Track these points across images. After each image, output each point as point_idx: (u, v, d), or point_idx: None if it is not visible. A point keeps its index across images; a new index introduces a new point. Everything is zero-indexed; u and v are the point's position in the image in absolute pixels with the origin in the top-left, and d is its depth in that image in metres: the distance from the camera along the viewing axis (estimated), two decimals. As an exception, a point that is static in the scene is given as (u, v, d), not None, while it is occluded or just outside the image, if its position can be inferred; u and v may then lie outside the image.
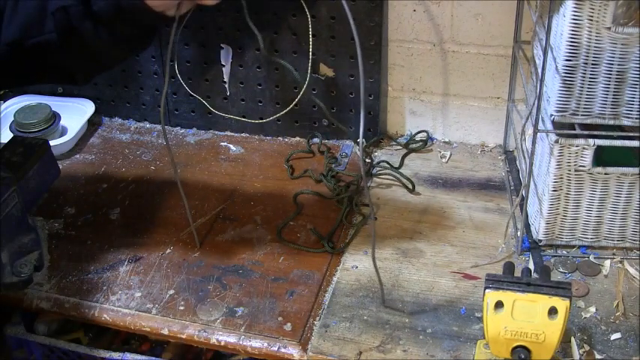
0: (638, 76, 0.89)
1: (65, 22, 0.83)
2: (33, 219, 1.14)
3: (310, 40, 1.23)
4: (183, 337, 0.96)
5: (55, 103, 1.37)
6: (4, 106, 1.39)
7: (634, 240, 1.03)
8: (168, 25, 0.89)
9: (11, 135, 1.25)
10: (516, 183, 1.19)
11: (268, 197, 1.20)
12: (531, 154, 0.97)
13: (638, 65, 0.88)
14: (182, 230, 1.12)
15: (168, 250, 1.09)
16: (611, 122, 0.94)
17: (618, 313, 0.94)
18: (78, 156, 1.34)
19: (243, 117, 1.35)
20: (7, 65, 0.87)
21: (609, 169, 0.97)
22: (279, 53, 1.27)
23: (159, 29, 0.92)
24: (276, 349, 0.92)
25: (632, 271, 1.00)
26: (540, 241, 1.05)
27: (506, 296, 0.78)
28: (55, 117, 1.34)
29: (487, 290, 0.79)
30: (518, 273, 0.83)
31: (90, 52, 0.87)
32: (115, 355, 1.03)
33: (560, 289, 0.78)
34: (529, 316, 0.77)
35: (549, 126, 0.96)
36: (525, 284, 0.79)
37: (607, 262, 1.02)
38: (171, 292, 1.01)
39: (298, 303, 0.98)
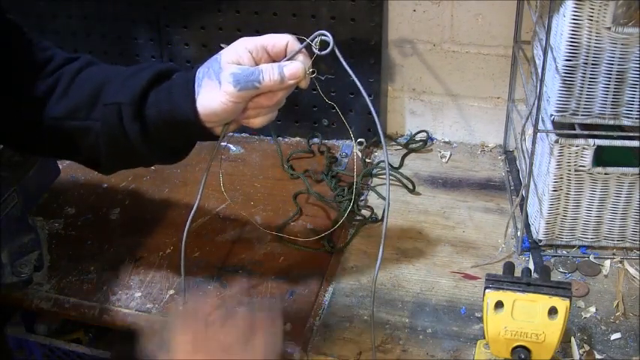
0: (638, 76, 0.89)
1: (114, 117, 0.81)
2: (33, 219, 1.14)
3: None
4: (183, 337, 0.96)
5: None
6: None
7: (634, 240, 1.03)
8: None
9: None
10: (516, 183, 1.19)
11: (268, 197, 1.20)
12: (531, 154, 0.97)
13: (638, 65, 0.88)
14: (182, 230, 1.12)
15: (168, 250, 1.09)
16: (611, 122, 0.94)
17: (618, 313, 0.94)
18: (78, 156, 1.34)
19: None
20: (42, 137, 0.87)
21: (609, 169, 0.97)
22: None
23: (194, 144, 0.89)
24: (276, 349, 0.92)
25: (632, 271, 1.00)
26: (540, 241, 1.05)
27: (506, 296, 0.78)
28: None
29: (487, 290, 0.79)
30: (518, 273, 0.83)
31: (125, 151, 0.84)
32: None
33: (560, 289, 0.78)
34: (529, 316, 0.77)
35: (549, 126, 0.96)
36: (525, 284, 0.79)
37: (607, 262, 1.02)
38: (171, 292, 1.01)
39: (298, 303, 0.98)
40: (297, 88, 0.79)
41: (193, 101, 0.78)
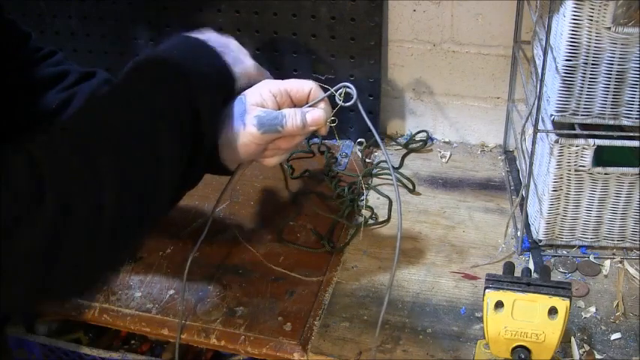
0: (638, 76, 0.89)
1: None
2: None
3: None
4: (183, 337, 0.96)
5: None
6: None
7: (634, 240, 1.03)
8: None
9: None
10: (516, 183, 1.19)
11: (268, 197, 1.20)
12: (531, 154, 0.97)
13: (638, 65, 0.88)
14: (182, 230, 1.12)
15: (169, 250, 1.09)
16: (611, 122, 0.94)
17: (618, 313, 0.94)
18: (78, 156, 1.34)
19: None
20: None
21: (609, 169, 0.97)
22: (278, 53, 1.27)
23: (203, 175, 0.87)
24: (276, 349, 0.92)
25: (632, 271, 1.00)
26: (540, 241, 1.05)
27: (506, 296, 0.78)
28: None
29: (487, 290, 0.79)
30: (518, 273, 0.83)
31: None
32: (115, 355, 1.03)
33: (560, 289, 0.78)
34: (529, 316, 0.77)
35: (549, 126, 0.96)
36: (525, 284, 0.79)
37: (607, 262, 1.02)
38: (171, 292, 1.01)
39: (298, 303, 0.98)
40: (316, 132, 0.83)
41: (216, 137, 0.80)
